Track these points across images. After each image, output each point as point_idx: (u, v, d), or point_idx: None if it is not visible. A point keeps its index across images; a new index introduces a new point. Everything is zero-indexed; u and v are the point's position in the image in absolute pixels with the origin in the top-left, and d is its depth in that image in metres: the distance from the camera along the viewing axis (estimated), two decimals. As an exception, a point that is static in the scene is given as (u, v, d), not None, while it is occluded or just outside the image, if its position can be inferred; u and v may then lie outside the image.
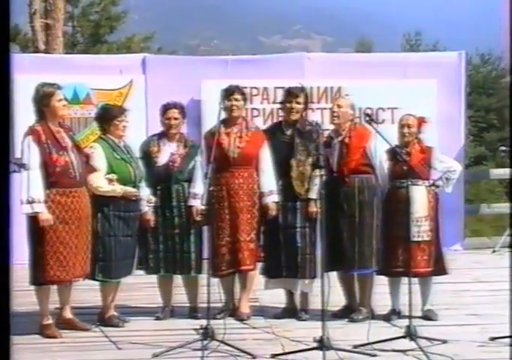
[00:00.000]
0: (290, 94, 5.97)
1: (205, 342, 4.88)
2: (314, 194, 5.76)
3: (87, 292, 6.15)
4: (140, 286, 6.68)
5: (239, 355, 4.85)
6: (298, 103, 5.93)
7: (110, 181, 5.62)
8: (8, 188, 2.64)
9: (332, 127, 6.17)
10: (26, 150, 5.37)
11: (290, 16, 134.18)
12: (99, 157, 5.65)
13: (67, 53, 17.55)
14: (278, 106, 6.60)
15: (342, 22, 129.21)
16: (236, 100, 6.00)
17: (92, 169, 5.61)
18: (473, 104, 27.66)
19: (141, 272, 6.02)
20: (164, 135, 6.05)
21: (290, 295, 6.02)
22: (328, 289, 4.90)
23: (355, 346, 4.97)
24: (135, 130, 7.28)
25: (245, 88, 6.70)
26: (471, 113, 26.66)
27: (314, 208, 5.79)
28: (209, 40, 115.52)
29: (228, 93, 5.97)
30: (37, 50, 12.17)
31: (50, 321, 5.47)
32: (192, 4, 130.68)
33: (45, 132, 5.41)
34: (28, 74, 8.51)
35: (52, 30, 12.16)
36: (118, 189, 5.61)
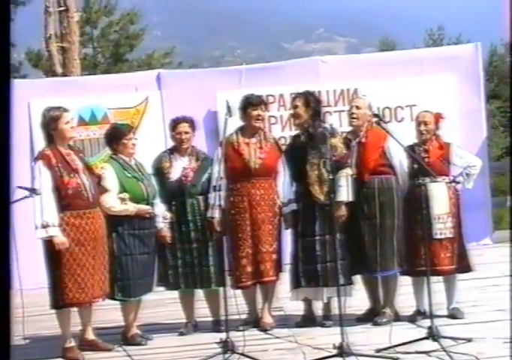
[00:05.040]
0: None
1: (226, 355, 4.85)
2: (340, 196, 5.60)
3: (111, 312, 6.16)
4: (165, 302, 6.69)
5: (260, 367, 4.83)
6: (296, 107, 5.90)
7: (123, 200, 5.62)
8: (9, 217, 2.65)
9: (350, 128, 6.11)
10: (38, 175, 5.40)
11: (312, 21, 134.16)
12: (110, 177, 5.66)
13: (89, 74, 17.75)
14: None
15: (365, 22, 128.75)
16: (262, 110, 6.02)
17: (104, 190, 5.62)
18: (501, 95, 27.28)
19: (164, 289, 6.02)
20: (176, 150, 6.05)
21: (308, 302, 5.94)
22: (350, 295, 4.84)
23: (378, 350, 4.90)
24: (154, 146, 7.33)
25: (261, 96, 6.71)
26: (500, 104, 26.29)
27: (342, 211, 5.64)
28: (232, 50, 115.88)
29: (256, 102, 5.98)
30: (55, 74, 12.30)
31: (73, 343, 5.48)
32: (214, 16, 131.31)
33: (55, 155, 5.44)
34: (45, 98, 8.60)
35: (68, 53, 12.28)
36: (131, 208, 5.62)
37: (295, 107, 5.92)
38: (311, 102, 5.89)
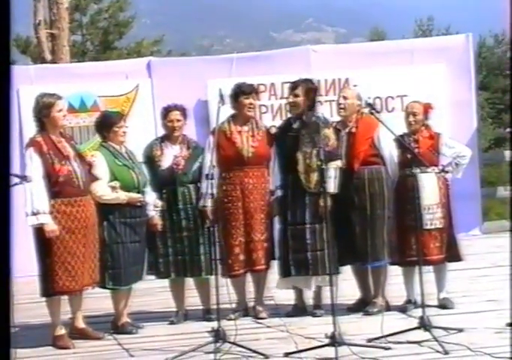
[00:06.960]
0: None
1: (217, 344, 4.83)
2: (328, 188, 5.50)
3: (101, 300, 6.13)
4: (155, 291, 6.65)
5: (251, 356, 4.80)
6: (296, 95, 5.83)
7: (114, 188, 5.59)
8: (9, 204, 2.62)
9: (340, 118, 6.09)
10: (29, 162, 5.36)
11: (301, 10, 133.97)
12: (100, 165, 5.62)
13: (78, 61, 17.61)
14: (286, 101, 6.54)
15: (354, 12, 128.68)
16: (254, 99, 6.00)
17: (95, 178, 5.58)
18: (490, 86, 27.37)
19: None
20: (167, 138, 6.01)
21: (298, 292, 5.95)
22: (336, 284, 4.84)
23: (369, 340, 4.90)
24: (144, 134, 7.29)
25: (253, 84, 6.66)
26: (489, 95, 26.37)
27: (327, 202, 5.57)
28: (221, 39, 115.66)
29: (249, 91, 5.94)
30: (44, 61, 12.19)
31: (63, 332, 5.45)
32: (203, 4, 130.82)
33: (46, 142, 5.40)
34: (34, 85, 8.53)
35: (57, 40, 12.15)
36: (123, 196, 5.58)
37: (295, 96, 5.84)
38: (311, 92, 5.86)
